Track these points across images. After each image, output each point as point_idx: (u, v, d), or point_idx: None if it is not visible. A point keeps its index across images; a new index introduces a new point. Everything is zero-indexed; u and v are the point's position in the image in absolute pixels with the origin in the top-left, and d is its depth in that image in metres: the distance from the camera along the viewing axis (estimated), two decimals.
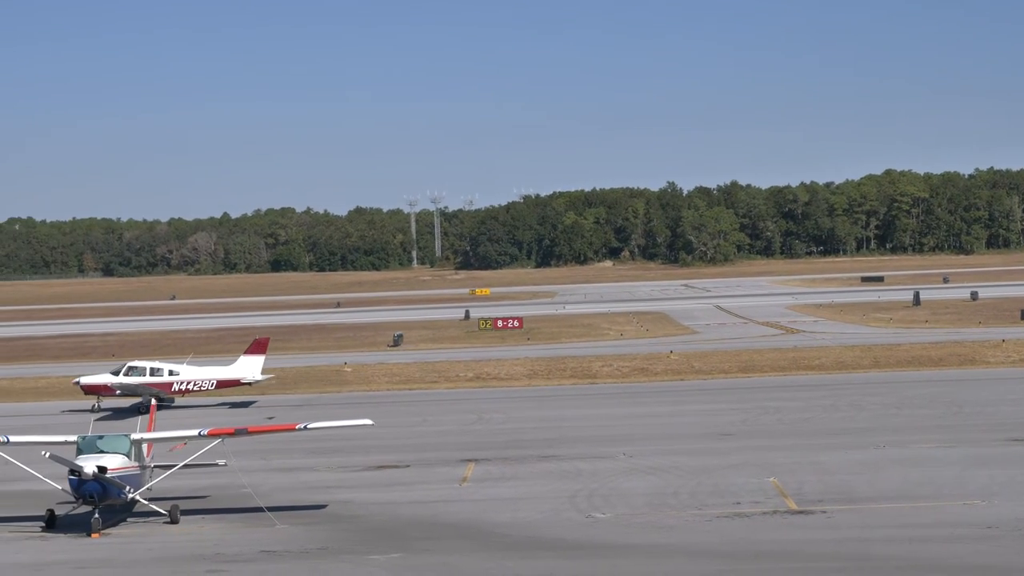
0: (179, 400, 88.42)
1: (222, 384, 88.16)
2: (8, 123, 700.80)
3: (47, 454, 48.72)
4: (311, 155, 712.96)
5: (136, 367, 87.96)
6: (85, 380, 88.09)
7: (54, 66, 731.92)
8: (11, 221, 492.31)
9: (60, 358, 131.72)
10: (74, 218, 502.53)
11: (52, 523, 49.21)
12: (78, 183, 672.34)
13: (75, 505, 49.73)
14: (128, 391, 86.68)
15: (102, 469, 48.22)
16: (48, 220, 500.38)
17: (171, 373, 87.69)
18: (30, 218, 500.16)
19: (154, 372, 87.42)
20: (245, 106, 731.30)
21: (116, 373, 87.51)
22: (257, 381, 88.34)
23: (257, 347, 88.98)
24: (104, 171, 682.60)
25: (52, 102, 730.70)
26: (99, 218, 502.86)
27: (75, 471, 48.07)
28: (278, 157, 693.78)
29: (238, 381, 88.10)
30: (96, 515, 48.20)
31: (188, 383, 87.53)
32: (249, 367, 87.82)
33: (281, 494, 54.78)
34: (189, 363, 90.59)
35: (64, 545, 46.59)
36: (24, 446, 52.41)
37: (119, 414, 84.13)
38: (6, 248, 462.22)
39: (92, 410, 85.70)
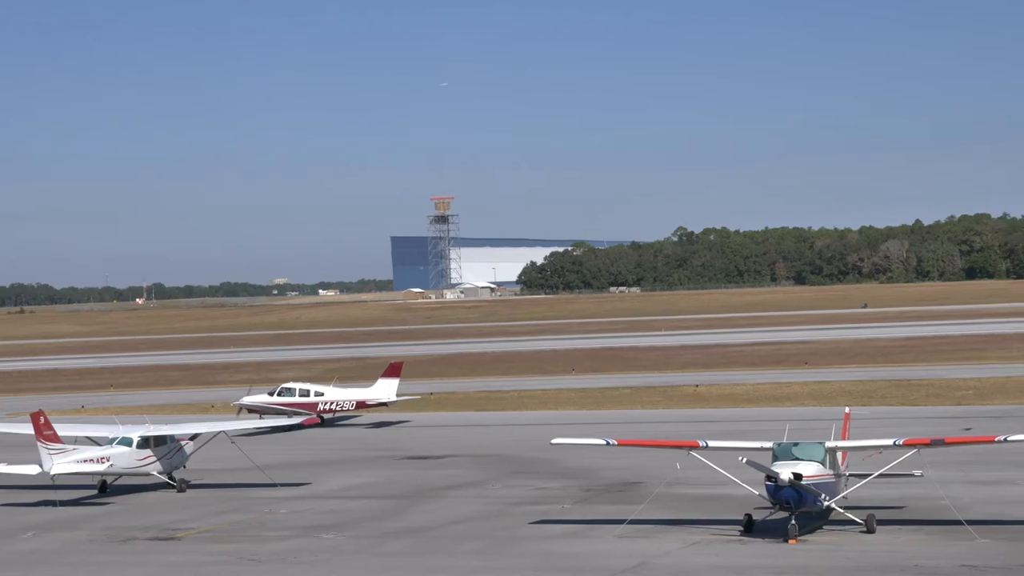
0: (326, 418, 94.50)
1: (360, 405, 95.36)
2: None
3: (744, 459, 49.49)
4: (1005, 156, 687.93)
5: (288, 388, 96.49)
6: (246, 400, 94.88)
7: None
8: (707, 231, 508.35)
9: (756, 365, 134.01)
10: (766, 227, 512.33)
11: (750, 527, 49.93)
12: (771, 193, 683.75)
13: (772, 511, 50.21)
14: (279, 411, 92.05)
15: (797, 476, 48.38)
16: (741, 230, 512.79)
17: (317, 394, 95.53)
18: (724, 228, 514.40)
19: (303, 393, 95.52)
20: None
21: (271, 394, 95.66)
22: (392, 402, 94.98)
23: (392, 371, 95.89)
24: (793, 180, 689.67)
25: None
26: (791, 227, 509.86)
27: (771, 477, 48.52)
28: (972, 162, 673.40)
29: (375, 402, 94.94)
30: (792, 521, 48.45)
31: (332, 403, 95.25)
32: (385, 389, 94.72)
33: (981, 507, 52.93)
34: (334, 385, 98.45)
35: (762, 550, 47.07)
36: (721, 451, 53.47)
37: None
38: (702, 258, 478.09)
39: None
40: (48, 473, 61.34)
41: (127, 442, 64.58)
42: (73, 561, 49.01)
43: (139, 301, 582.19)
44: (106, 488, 65.20)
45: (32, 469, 61.99)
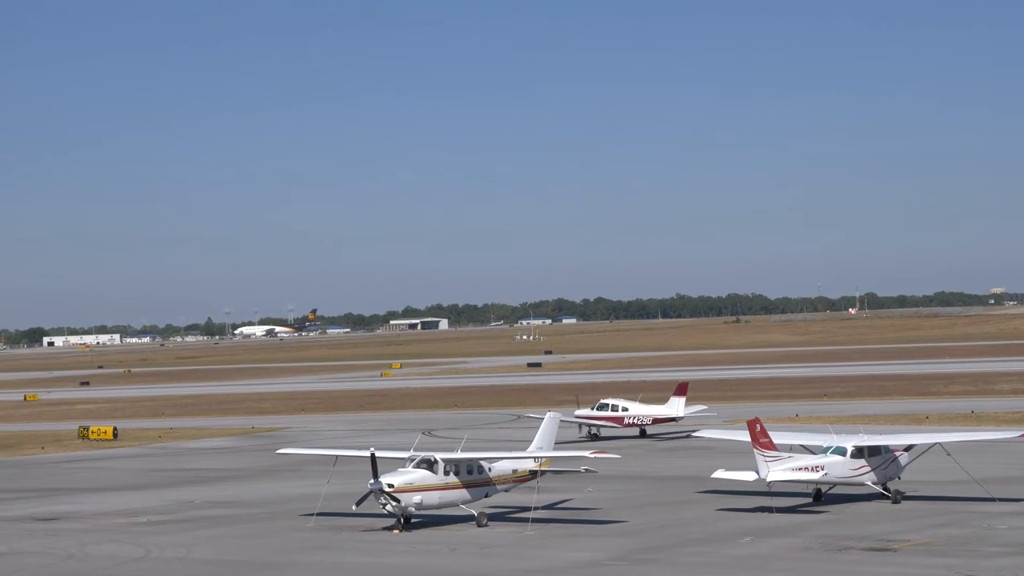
0: (627, 432, 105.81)
1: (656, 420, 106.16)
2: None
3: None
4: None
5: (605, 404, 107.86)
6: (577, 412, 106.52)
7: None
8: None
9: None
10: None
11: None
12: None
13: None
14: (596, 423, 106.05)
15: None
16: None
17: (623, 409, 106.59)
18: None
19: (613, 408, 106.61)
20: None
21: (593, 408, 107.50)
22: (681, 418, 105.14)
23: (680, 390, 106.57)
24: None
25: None
26: None
27: None
28: None
29: (667, 417, 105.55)
30: None
31: (634, 417, 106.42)
32: (676, 406, 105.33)
33: None
34: (639, 401, 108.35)
35: None
36: None
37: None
38: None
39: (590, 436, 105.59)
40: (764, 480, 62.73)
41: (841, 451, 64.95)
42: (789, 568, 49.89)
43: (852, 311, 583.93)
44: (821, 496, 65.85)
45: (749, 475, 63.63)
